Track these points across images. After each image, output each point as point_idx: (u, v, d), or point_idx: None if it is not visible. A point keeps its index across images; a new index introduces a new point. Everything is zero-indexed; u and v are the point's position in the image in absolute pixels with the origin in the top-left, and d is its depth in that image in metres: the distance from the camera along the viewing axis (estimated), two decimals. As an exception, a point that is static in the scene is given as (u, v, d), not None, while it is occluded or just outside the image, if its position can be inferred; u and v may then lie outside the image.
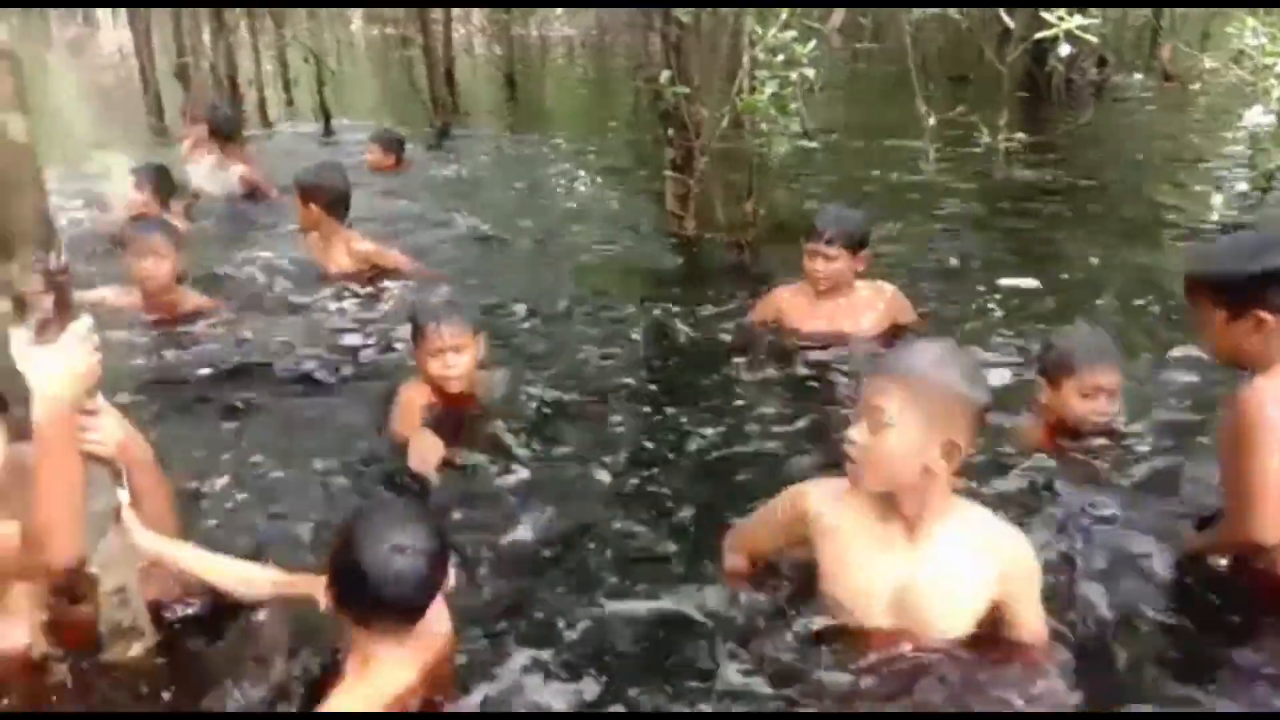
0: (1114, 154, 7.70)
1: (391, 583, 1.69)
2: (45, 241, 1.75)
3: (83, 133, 9.89)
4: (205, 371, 3.49)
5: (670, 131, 4.81)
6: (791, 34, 4.57)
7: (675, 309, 4.16)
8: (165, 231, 3.93)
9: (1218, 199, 5.36)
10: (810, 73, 4.59)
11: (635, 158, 7.82)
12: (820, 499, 2.01)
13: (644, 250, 5.17)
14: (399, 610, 1.74)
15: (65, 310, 1.79)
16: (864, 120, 8.13)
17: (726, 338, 3.84)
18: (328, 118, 9.44)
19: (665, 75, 4.56)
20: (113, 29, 26.92)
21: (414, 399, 3.00)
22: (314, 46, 10.75)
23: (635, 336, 3.88)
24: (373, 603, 1.72)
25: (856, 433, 1.86)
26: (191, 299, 4.04)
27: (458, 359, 2.92)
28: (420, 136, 8.77)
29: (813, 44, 4.67)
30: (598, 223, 5.79)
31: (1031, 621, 1.90)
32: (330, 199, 4.45)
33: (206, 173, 6.19)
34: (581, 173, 7.14)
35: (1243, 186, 5.76)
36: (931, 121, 5.77)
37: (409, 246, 4.95)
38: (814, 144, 4.53)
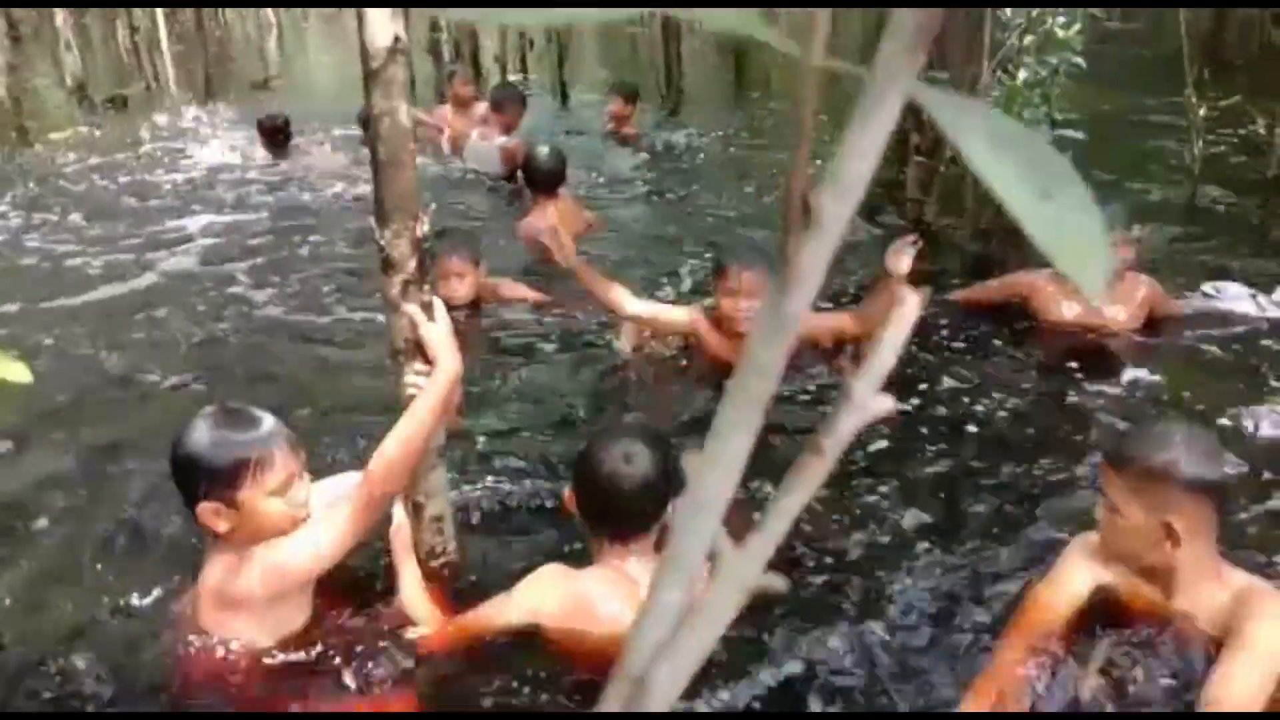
0: None
1: (615, 486, 1.93)
2: (414, 212, 2.01)
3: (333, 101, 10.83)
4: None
5: (925, 115, 4.74)
6: (1061, 19, 4.43)
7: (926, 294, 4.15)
8: (466, 250, 3.81)
9: None
10: (1077, 60, 4.43)
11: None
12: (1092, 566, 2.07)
13: (877, 242, 5.15)
14: (621, 513, 1.97)
15: (424, 273, 2.06)
16: (1117, 108, 7.65)
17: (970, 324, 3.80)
18: (565, 92, 9.85)
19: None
20: None
21: (691, 324, 3.31)
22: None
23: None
24: (600, 505, 1.99)
25: (1097, 511, 1.98)
26: (504, 290, 4.07)
27: (750, 304, 3.11)
28: (652, 110, 9.03)
29: (1076, 27, 4.51)
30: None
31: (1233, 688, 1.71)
32: (537, 178, 4.86)
33: (473, 146, 6.62)
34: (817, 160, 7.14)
35: None
36: (1202, 112, 5.42)
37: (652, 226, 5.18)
38: (1078, 134, 4.33)
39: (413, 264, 2.02)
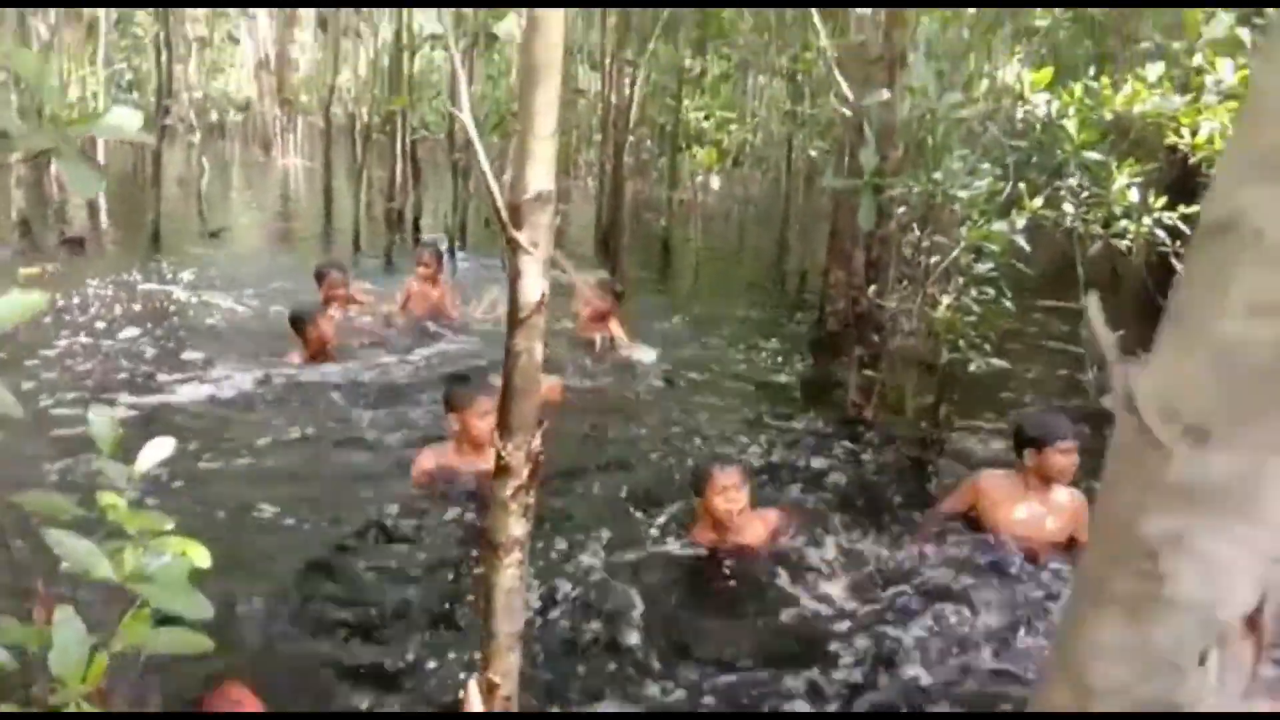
0: None
1: None
2: (532, 429, 2.39)
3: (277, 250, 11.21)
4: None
5: (877, 337, 5.44)
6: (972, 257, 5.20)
7: (859, 493, 4.63)
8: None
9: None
10: (990, 291, 5.21)
11: (798, 336, 8.50)
12: None
13: (825, 437, 5.70)
14: None
15: (534, 480, 2.43)
16: (1026, 330, 8.50)
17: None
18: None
19: (872, 290, 5.23)
20: (282, 156, 29.52)
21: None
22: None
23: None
24: None
25: None
26: None
27: (739, 496, 3.72)
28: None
29: (989, 265, 5.30)
30: (778, 401, 6.39)
31: None
32: None
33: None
34: (760, 353, 7.78)
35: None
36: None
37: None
38: (1004, 364, 5.06)
39: (525, 472, 2.40)
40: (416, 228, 12.45)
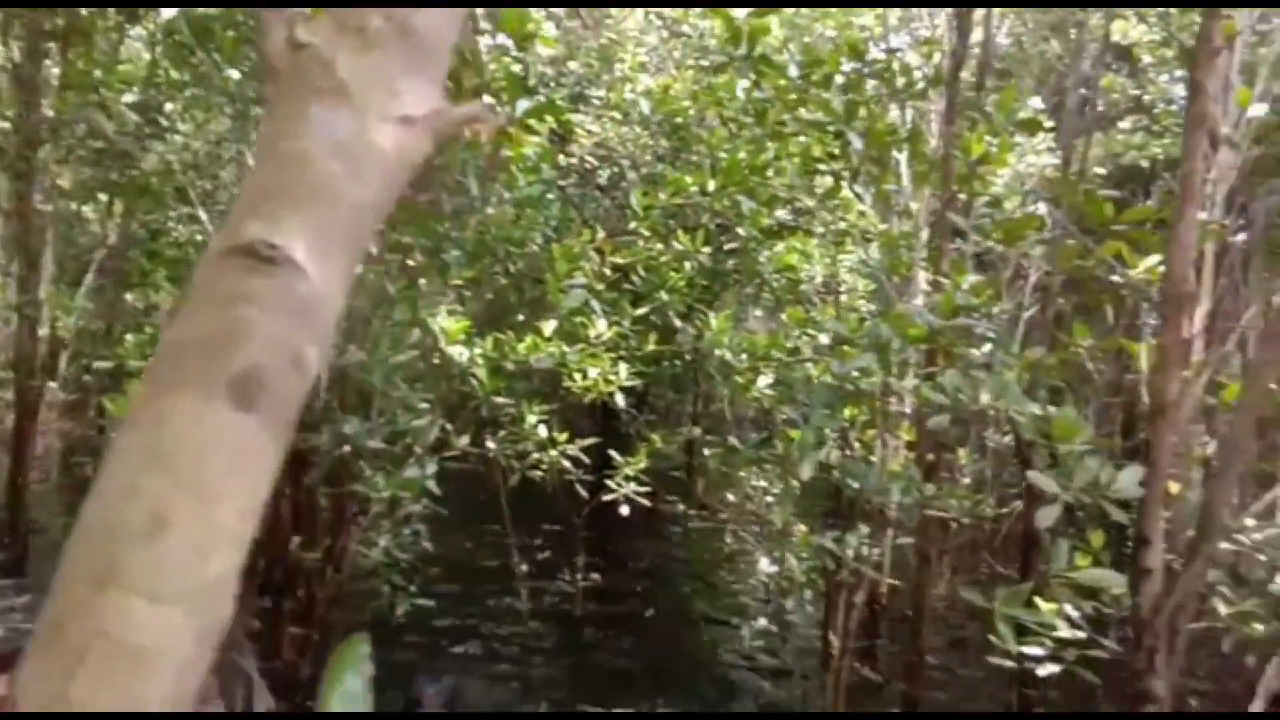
0: (667, 590, 9.16)
1: None
2: None
3: None
4: None
5: (304, 591, 5.25)
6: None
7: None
8: None
9: (745, 632, 6.80)
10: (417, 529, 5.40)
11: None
12: None
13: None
14: None
15: None
16: (460, 559, 8.87)
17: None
18: None
19: (297, 540, 5.10)
20: None
21: None
22: None
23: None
24: None
25: None
26: None
27: None
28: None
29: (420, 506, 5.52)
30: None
31: None
32: None
33: None
34: None
35: (763, 623, 7.33)
36: (524, 568, 6.81)
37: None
38: (429, 603, 5.20)
39: None
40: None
